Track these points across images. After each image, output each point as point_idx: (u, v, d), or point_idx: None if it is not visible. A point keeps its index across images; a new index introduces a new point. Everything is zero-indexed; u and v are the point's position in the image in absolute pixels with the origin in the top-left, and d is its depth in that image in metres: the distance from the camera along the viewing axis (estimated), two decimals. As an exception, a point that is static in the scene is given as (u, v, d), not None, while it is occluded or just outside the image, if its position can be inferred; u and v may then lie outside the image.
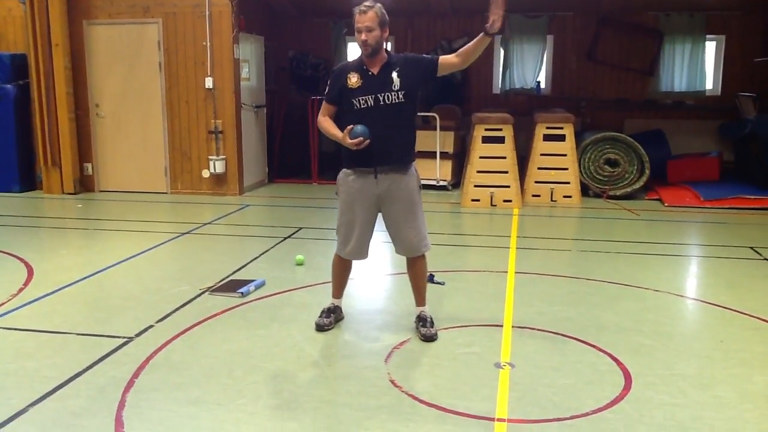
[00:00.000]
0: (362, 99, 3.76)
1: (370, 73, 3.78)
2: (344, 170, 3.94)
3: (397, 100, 3.76)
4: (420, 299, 4.11)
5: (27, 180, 9.24)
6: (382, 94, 3.75)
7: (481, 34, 3.66)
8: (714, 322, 4.38)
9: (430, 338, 3.93)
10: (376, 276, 5.33)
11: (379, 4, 3.73)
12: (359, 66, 3.82)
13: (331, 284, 4.24)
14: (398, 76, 3.75)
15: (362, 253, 4.02)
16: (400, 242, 3.97)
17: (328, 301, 4.24)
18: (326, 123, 3.89)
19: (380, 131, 3.72)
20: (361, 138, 3.64)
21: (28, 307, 4.52)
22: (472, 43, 3.73)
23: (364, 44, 3.71)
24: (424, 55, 3.95)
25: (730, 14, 10.29)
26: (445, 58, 3.84)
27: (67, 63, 8.79)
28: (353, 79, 3.78)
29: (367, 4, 3.71)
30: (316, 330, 4.07)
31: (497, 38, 10.74)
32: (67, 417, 3.03)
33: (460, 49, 3.80)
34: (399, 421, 3.01)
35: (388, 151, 3.79)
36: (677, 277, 5.51)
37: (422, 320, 4.02)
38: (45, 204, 8.64)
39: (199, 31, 8.69)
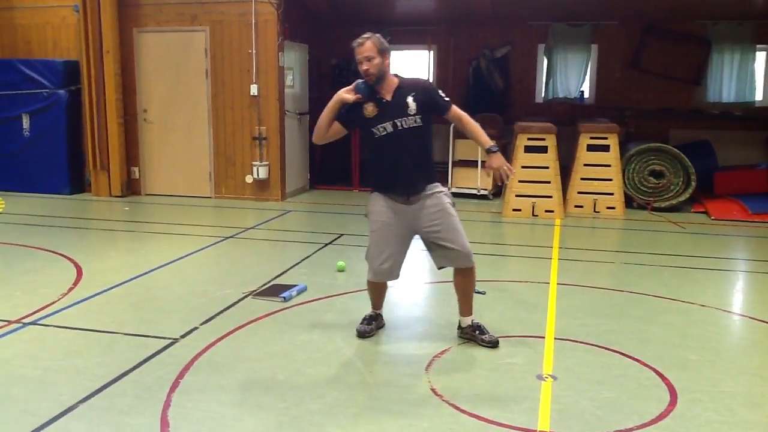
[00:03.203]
0: (381, 127, 3.82)
1: (384, 100, 3.83)
2: (375, 194, 3.99)
3: (414, 124, 3.81)
4: (468, 309, 4.09)
5: (76, 182, 9.50)
6: (399, 120, 3.80)
7: (487, 149, 3.85)
8: (762, 339, 4.28)
9: (495, 344, 3.94)
10: (416, 284, 5.34)
11: (377, 35, 3.82)
12: (373, 95, 3.86)
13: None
14: (414, 101, 3.80)
15: (393, 273, 4.00)
16: (447, 255, 3.90)
17: (369, 308, 4.27)
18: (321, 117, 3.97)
19: (402, 155, 3.82)
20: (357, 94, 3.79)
21: (77, 307, 4.65)
22: (478, 135, 3.88)
23: (366, 73, 3.77)
24: (441, 96, 3.91)
25: (781, 23, 10.06)
26: (455, 113, 3.89)
27: (117, 69, 9.03)
28: (369, 109, 3.84)
29: (364, 36, 3.80)
30: (358, 336, 4.11)
31: (540, 47, 10.69)
32: (115, 415, 3.11)
33: (469, 119, 3.89)
34: (440, 430, 3.01)
35: (414, 173, 3.85)
36: (724, 292, 5.39)
37: (478, 328, 4.03)
38: (93, 206, 8.87)
39: (245, 39, 8.84)
